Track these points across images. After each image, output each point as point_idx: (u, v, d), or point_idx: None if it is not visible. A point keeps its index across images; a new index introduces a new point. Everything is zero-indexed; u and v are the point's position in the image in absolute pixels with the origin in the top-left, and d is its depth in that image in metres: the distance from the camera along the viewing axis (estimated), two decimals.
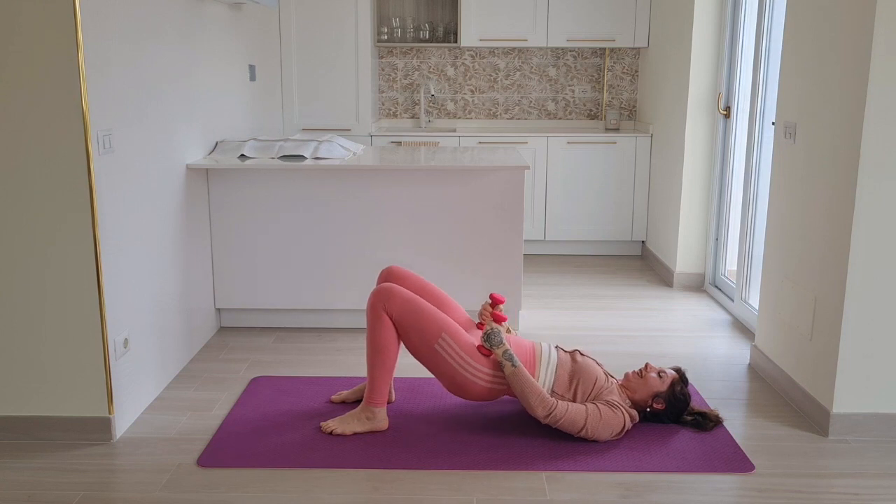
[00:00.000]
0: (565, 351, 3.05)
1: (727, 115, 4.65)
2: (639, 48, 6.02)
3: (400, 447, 2.86)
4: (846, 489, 2.61)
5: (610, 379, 3.00)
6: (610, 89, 6.17)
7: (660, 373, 2.99)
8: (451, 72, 6.17)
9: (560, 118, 6.24)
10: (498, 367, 2.91)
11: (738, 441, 2.93)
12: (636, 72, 6.13)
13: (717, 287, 4.80)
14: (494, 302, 3.14)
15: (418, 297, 2.96)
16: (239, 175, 3.96)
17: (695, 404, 3.19)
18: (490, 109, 6.24)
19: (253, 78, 4.80)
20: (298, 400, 3.26)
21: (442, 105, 6.23)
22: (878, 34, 2.69)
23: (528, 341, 3.05)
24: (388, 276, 3.17)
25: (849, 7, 2.85)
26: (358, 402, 3.22)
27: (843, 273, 2.88)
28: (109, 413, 2.89)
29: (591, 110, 6.22)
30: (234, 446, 2.86)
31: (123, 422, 2.99)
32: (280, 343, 3.95)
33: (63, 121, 2.67)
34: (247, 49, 4.67)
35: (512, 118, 6.25)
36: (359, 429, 2.95)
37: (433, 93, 6.12)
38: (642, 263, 5.68)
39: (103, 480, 2.64)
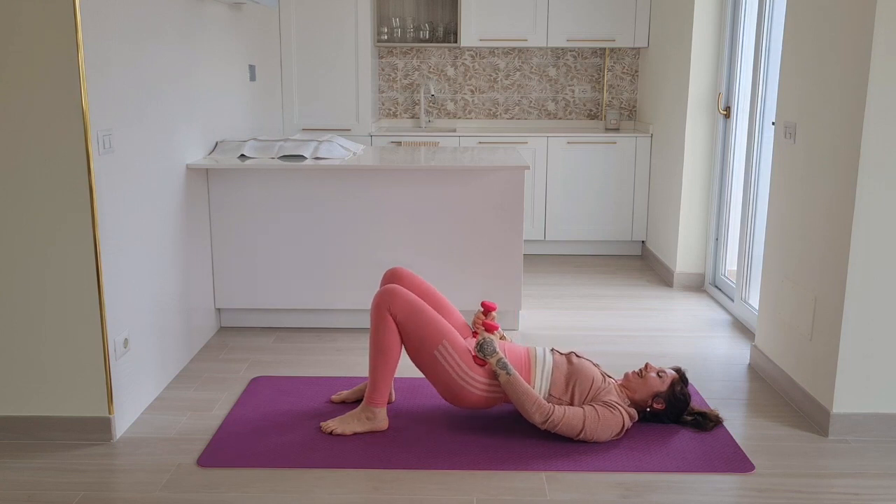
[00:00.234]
0: (561, 353, 3.05)
1: (727, 115, 4.65)
2: (639, 48, 6.02)
3: (400, 447, 2.86)
4: (846, 489, 2.61)
5: (607, 379, 2.99)
6: (610, 89, 6.17)
7: (659, 373, 2.99)
8: (451, 72, 6.17)
9: (560, 118, 6.24)
10: (494, 376, 2.91)
11: (738, 441, 2.93)
12: (636, 72, 6.13)
13: (717, 287, 4.80)
14: (486, 310, 3.13)
15: (422, 301, 2.96)
16: (239, 175, 3.96)
17: (695, 404, 3.18)
18: (490, 109, 6.24)
19: (253, 78, 4.80)
20: (298, 400, 3.26)
21: (442, 105, 6.23)
22: (878, 34, 2.69)
23: (522, 347, 3.04)
24: (392, 277, 3.17)
25: (849, 7, 2.85)
26: (358, 402, 3.22)
27: (843, 273, 2.88)
28: (109, 413, 2.89)
29: (591, 110, 6.22)
30: (234, 446, 2.86)
31: (123, 422, 2.99)
32: (280, 343, 3.95)
33: (63, 121, 2.67)
34: (247, 49, 4.67)
35: (512, 118, 6.25)
36: (359, 429, 2.95)
37: (433, 93, 6.12)
38: (642, 263, 5.68)
39: (103, 480, 2.64)
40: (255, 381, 3.45)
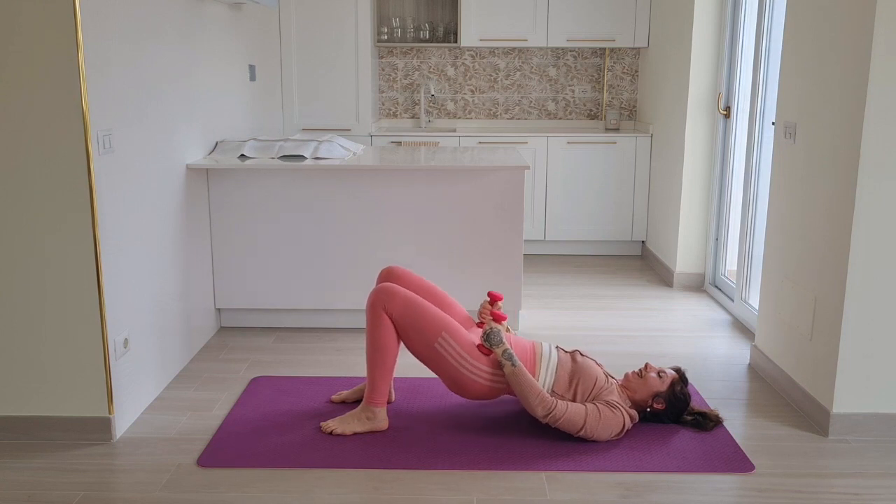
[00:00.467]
0: (565, 351, 3.05)
1: (727, 115, 4.65)
2: (639, 48, 6.02)
3: (400, 447, 2.86)
4: (846, 489, 2.61)
5: (610, 379, 2.99)
6: (610, 89, 6.17)
7: (659, 373, 2.99)
8: (451, 72, 6.17)
9: (560, 118, 6.24)
10: (498, 365, 2.91)
11: (738, 441, 2.93)
12: (636, 72, 6.13)
13: (717, 287, 4.80)
14: (493, 300, 3.14)
15: (418, 296, 2.96)
16: (239, 175, 3.96)
17: (695, 404, 3.19)
18: (490, 109, 6.24)
19: (253, 78, 4.80)
20: (298, 400, 3.26)
21: (442, 105, 6.23)
22: (878, 34, 2.69)
23: (529, 341, 3.05)
24: (387, 275, 3.17)
25: (849, 7, 2.85)
26: (358, 402, 3.22)
27: (843, 273, 2.88)
28: (109, 413, 2.89)
29: (591, 110, 6.22)
30: (234, 446, 2.86)
31: (123, 422, 2.99)
32: (280, 343, 3.95)
33: (63, 121, 2.67)
34: (247, 49, 4.67)
35: (512, 118, 6.25)
36: (359, 429, 2.95)
37: (433, 93, 6.12)
38: (642, 263, 5.68)
39: (103, 480, 2.64)
40: (255, 381, 3.45)
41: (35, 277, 2.78)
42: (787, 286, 3.33)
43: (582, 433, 2.84)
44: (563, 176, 5.75)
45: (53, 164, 2.70)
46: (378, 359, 2.91)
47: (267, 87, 5.22)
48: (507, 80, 6.19)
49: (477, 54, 6.15)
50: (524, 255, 5.79)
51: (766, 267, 3.57)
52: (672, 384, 2.98)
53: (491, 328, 2.94)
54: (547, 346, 3.03)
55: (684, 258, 5.00)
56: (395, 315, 2.88)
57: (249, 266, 4.05)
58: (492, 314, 3.10)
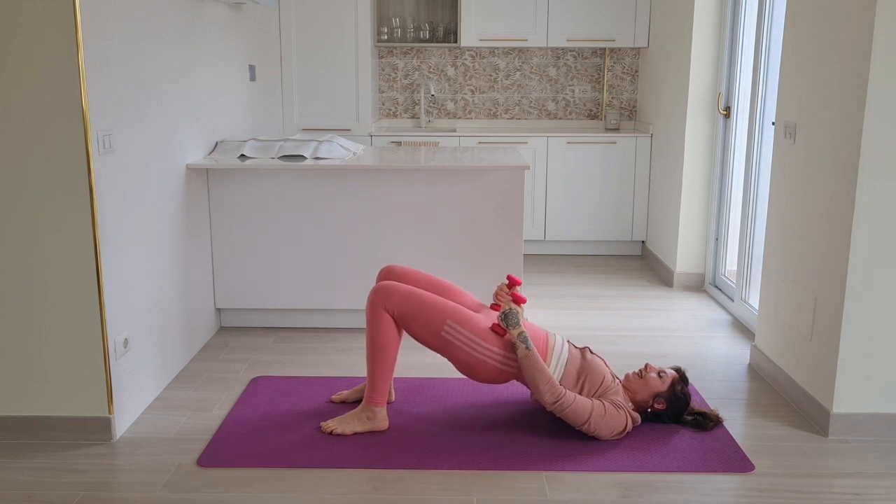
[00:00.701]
0: (576, 347, 3.06)
1: (727, 115, 4.65)
2: (639, 48, 6.02)
3: (400, 447, 2.86)
4: (846, 489, 2.61)
5: (616, 380, 3.00)
6: (610, 89, 6.17)
7: (660, 373, 2.99)
8: (451, 72, 6.17)
9: (560, 118, 6.24)
10: (509, 348, 2.91)
11: (738, 441, 2.93)
12: (636, 72, 6.13)
13: (717, 287, 4.80)
14: (511, 283, 3.13)
15: (418, 289, 2.95)
16: (239, 175, 3.96)
17: (695, 404, 3.19)
18: (490, 109, 6.24)
19: (253, 78, 4.80)
20: (298, 400, 3.26)
21: (442, 105, 6.23)
22: (878, 34, 2.69)
23: (543, 330, 3.04)
24: (387, 274, 3.17)
25: (849, 7, 2.85)
26: (358, 402, 3.22)
27: (843, 273, 2.88)
28: (109, 413, 2.89)
29: (591, 110, 6.22)
30: (234, 446, 2.86)
31: (123, 422, 2.99)
32: (280, 343, 3.95)
33: (63, 121, 2.67)
34: (247, 49, 4.67)
35: (512, 118, 6.25)
36: (359, 429, 2.95)
37: (433, 93, 6.12)
38: (642, 263, 5.68)
39: (103, 480, 2.64)
40: (255, 381, 3.45)
41: (35, 277, 2.78)
42: (787, 286, 3.33)
43: (585, 427, 2.84)
44: (563, 176, 5.75)
45: (53, 164, 2.70)
46: (378, 358, 2.91)
47: (267, 87, 5.22)
48: (507, 80, 6.19)
49: (477, 54, 6.15)
50: (524, 255, 5.79)
51: (766, 267, 3.57)
52: (672, 384, 2.98)
53: (510, 308, 2.93)
54: (560, 340, 3.03)
55: (684, 258, 5.00)
56: (396, 311, 2.88)
57: (249, 266, 4.05)
58: (512, 295, 3.09)
